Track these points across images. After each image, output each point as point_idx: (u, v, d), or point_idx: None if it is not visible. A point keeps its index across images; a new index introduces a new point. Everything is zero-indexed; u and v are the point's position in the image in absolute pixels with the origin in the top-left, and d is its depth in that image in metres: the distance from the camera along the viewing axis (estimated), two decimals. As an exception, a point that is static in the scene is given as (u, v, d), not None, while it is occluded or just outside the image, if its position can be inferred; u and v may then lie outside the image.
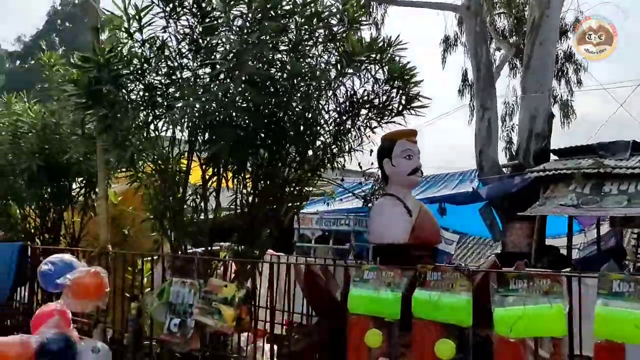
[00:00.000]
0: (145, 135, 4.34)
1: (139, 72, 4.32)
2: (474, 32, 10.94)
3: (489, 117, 10.81)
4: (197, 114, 3.89)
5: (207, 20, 4.39)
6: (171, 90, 4.48)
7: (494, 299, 2.21)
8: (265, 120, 4.35)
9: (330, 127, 4.59)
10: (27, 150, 6.56)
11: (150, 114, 4.49)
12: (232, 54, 4.13)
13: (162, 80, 4.54)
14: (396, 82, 4.36)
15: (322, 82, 4.29)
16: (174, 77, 4.48)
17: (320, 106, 4.41)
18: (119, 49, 4.28)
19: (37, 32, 33.49)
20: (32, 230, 7.28)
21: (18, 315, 5.94)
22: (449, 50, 16.09)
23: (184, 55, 4.54)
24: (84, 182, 7.04)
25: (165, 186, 4.48)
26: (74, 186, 7.18)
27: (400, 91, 4.33)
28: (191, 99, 3.76)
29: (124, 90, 4.23)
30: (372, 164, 4.92)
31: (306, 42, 4.24)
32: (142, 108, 4.34)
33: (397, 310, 2.45)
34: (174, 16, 4.48)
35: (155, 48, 4.44)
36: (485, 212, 10.33)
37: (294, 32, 4.23)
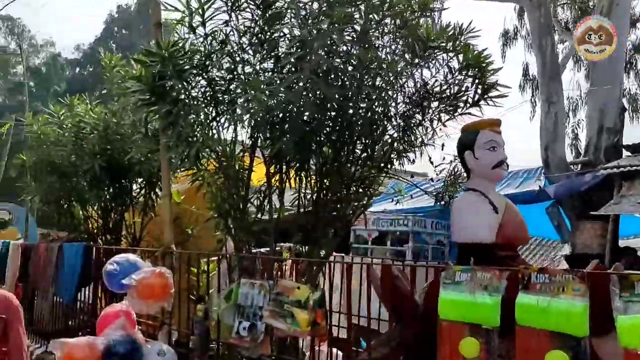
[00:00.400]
0: (208, 132, 4.21)
1: (202, 67, 4.20)
2: (538, 23, 10.42)
3: (556, 112, 10.25)
4: (260, 110, 3.72)
5: (271, 11, 4.24)
6: (233, 85, 4.35)
7: (616, 305, 1.92)
8: (332, 115, 4.16)
9: (399, 121, 4.33)
10: (89, 152, 6.62)
11: (213, 111, 4.37)
12: (297, 45, 3.95)
13: (224, 76, 4.42)
14: (471, 71, 4.07)
15: (391, 73, 4.05)
16: (235, 73, 4.35)
17: (390, 98, 4.17)
18: (181, 44, 4.17)
19: (95, 40, 34.63)
20: (95, 231, 7.35)
21: (82, 315, 5.97)
22: (508, 45, 15.49)
23: (245, 49, 4.40)
24: (144, 182, 7.05)
25: (229, 184, 4.34)
26: (134, 187, 7.22)
27: (477, 80, 4.03)
28: (254, 93, 3.58)
29: (187, 86, 4.11)
30: (443, 159, 4.66)
31: (374, 32, 4.01)
32: (204, 104, 4.22)
33: (497, 316, 2.18)
34: (236, 9, 4.35)
35: (217, 42, 4.32)
36: (552, 212, 9.80)
37: (361, 21, 4.01)
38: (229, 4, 4.28)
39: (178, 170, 5.30)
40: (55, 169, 6.97)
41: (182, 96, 4.06)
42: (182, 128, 4.02)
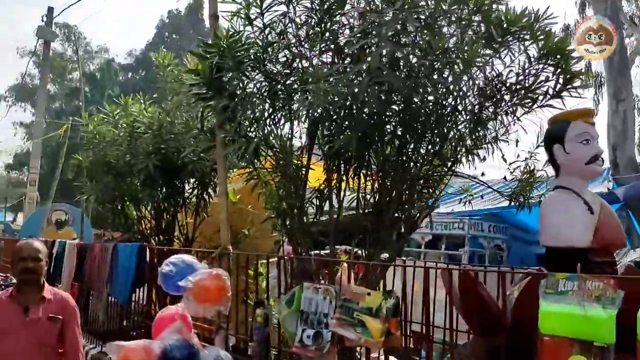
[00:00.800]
0: (265, 128, 4.02)
1: (259, 60, 4.01)
2: (604, 15, 9.85)
3: (624, 109, 9.67)
4: (321, 103, 3.48)
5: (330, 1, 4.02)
6: (291, 79, 4.15)
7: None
8: (397, 108, 3.89)
9: (469, 115, 4.02)
10: (143, 151, 6.56)
11: (270, 106, 4.17)
12: (360, 34, 3.71)
13: (281, 70, 4.22)
14: (551, 59, 3.72)
15: (462, 63, 3.74)
16: (294, 65, 4.15)
17: (460, 90, 3.87)
18: (237, 36, 3.99)
19: (147, 45, 35.41)
20: (148, 232, 7.31)
21: (136, 316, 5.89)
22: (569, 40, 14.76)
23: (303, 41, 4.19)
24: (197, 182, 6.96)
25: (287, 183, 4.13)
26: (186, 187, 7.14)
27: (558, 69, 3.68)
28: (314, 86, 3.35)
29: (245, 79, 3.92)
30: (517, 156, 4.31)
31: (443, 18, 3.72)
32: (262, 99, 4.02)
33: (613, 332, 1.87)
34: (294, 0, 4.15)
35: (274, 34, 4.12)
36: (621, 216, 9.22)
37: (427, 8, 3.73)
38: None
39: (232, 169, 5.15)
40: (111, 169, 6.96)
41: (240, 90, 3.87)
42: (239, 124, 3.83)
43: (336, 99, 3.39)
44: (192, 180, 7.01)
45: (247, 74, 3.94)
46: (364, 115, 3.77)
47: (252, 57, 3.94)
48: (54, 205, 13.36)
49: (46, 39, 16.86)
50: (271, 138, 3.95)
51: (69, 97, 36.39)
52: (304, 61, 4.15)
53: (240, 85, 3.91)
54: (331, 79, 3.38)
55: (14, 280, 7.84)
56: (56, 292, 3.63)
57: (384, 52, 3.44)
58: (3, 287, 7.87)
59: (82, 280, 7.01)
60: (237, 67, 3.73)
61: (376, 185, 4.35)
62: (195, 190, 7.00)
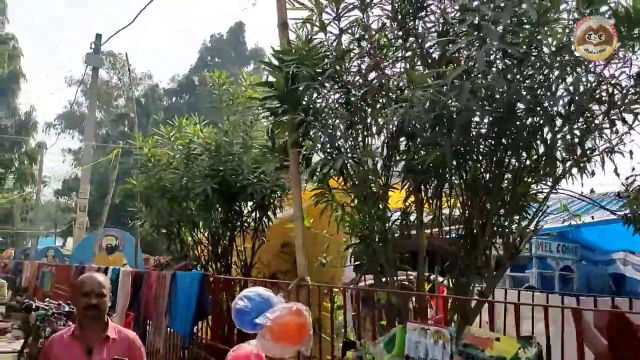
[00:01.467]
0: (348, 142, 3.59)
1: (337, 69, 3.61)
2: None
3: None
4: (419, 113, 3.04)
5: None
6: (368, 89, 3.73)
7: None
8: (497, 115, 3.41)
9: (580, 123, 3.50)
10: (200, 173, 6.26)
11: (349, 120, 3.75)
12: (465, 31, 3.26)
13: (357, 81, 3.80)
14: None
15: (577, 63, 3.26)
16: (377, 73, 3.73)
17: (569, 93, 3.37)
18: (312, 43, 3.61)
19: (190, 69, 35.88)
20: (204, 257, 6.98)
21: (198, 349, 5.49)
22: None
23: (383, 47, 3.77)
24: (255, 204, 6.60)
25: (367, 204, 3.68)
26: (244, 210, 6.79)
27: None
28: (414, 93, 2.91)
29: (323, 90, 3.52)
30: (632, 169, 3.75)
31: (552, 13, 3.24)
32: (341, 111, 3.61)
33: None
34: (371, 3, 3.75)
35: (354, 40, 3.72)
36: None
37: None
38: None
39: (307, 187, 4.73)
40: (166, 193, 6.68)
41: (319, 102, 3.47)
42: (317, 140, 3.42)
43: (435, 108, 2.94)
44: (250, 203, 6.67)
45: (326, 84, 3.53)
46: (459, 125, 3.30)
47: (328, 65, 3.53)
48: (104, 230, 13.28)
49: (95, 65, 17.08)
50: (365, 152, 3.50)
51: (114, 122, 37.13)
52: (387, 69, 3.74)
53: (318, 96, 3.51)
54: (428, 86, 2.93)
55: (67, 309, 7.67)
56: (121, 331, 3.29)
57: (494, 49, 2.97)
58: (56, 315, 7.66)
59: (138, 310, 6.70)
60: (317, 76, 3.32)
61: (466, 204, 3.86)
62: (254, 213, 6.65)
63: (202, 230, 6.91)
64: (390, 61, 3.81)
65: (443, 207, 3.93)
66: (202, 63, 35.22)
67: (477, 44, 2.97)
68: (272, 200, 6.45)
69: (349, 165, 3.41)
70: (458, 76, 3.14)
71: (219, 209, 6.61)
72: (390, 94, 3.67)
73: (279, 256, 7.15)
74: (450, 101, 3.08)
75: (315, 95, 3.57)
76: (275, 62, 3.55)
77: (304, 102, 3.61)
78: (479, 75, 3.05)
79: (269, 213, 6.53)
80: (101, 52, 17.70)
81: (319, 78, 3.44)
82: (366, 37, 3.74)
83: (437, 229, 4.06)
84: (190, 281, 5.31)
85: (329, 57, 3.53)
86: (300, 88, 3.35)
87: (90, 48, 16.91)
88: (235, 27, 35.82)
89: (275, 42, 4.08)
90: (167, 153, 6.75)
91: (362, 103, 3.72)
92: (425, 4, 3.69)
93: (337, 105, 3.61)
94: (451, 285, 3.99)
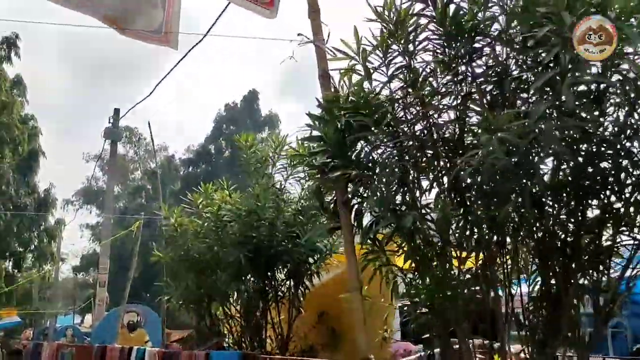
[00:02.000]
0: (406, 197, 3.20)
1: (391, 118, 3.27)
2: None
3: None
4: (493, 159, 2.66)
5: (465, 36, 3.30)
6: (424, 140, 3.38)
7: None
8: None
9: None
10: (231, 242, 5.87)
11: (402, 173, 3.38)
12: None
13: (410, 129, 3.45)
14: None
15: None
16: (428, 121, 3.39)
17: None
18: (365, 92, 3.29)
19: (206, 138, 36.13)
20: (238, 332, 6.47)
21: None
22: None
23: (437, 91, 3.45)
24: (289, 273, 6.16)
25: (436, 268, 3.24)
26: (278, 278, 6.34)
27: None
28: (493, 136, 2.54)
29: (377, 140, 3.17)
30: None
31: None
32: (400, 165, 3.23)
33: None
34: (417, 45, 3.46)
35: (404, 86, 3.41)
36: None
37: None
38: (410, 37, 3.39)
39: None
40: (194, 264, 6.25)
41: (376, 154, 3.10)
42: (376, 197, 3.03)
43: (515, 154, 2.55)
44: (284, 271, 6.24)
45: (380, 135, 3.18)
46: (537, 172, 2.90)
47: (382, 114, 3.19)
48: (126, 306, 12.79)
49: (113, 139, 17.13)
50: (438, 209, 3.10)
51: (131, 195, 37.13)
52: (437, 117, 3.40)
53: (373, 148, 3.15)
54: (507, 129, 2.55)
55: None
56: None
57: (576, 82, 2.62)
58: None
59: (167, 395, 6.14)
60: (374, 126, 2.97)
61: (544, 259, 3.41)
62: (289, 282, 6.19)
63: (234, 304, 6.45)
64: (443, 108, 3.49)
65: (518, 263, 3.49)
66: (218, 132, 35.46)
67: (557, 79, 2.61)
68: (308, 266, 6.02)
69: (418, 223, 2.99)
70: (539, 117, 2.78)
71: (251, 278, 6.18)
72: (441, 144, 3.33)
73: (317, 327, 6.65)
74: (529, 145, 2.71)
75: (368, 147, 3.21)
76: (323, 114, 3.22)
77: (359, 156, 3.25)
78: (564, 117, 2.67)
79: (305, 280, 6.08)
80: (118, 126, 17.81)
81: (374, 129, 3.09)
82: (417, 84, 3.42)
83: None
84: (227, 362, 4.83)
85: (384, 106, 3.20)
86: (355, 139, 3.00)
87: (109, 122, 17.04)
88: (249, 95, 36.27)
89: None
90: (194, 221, 6.39)
91: (419, 154, 3.36)
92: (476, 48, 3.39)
93: (393, 158, 3.24)
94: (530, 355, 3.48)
